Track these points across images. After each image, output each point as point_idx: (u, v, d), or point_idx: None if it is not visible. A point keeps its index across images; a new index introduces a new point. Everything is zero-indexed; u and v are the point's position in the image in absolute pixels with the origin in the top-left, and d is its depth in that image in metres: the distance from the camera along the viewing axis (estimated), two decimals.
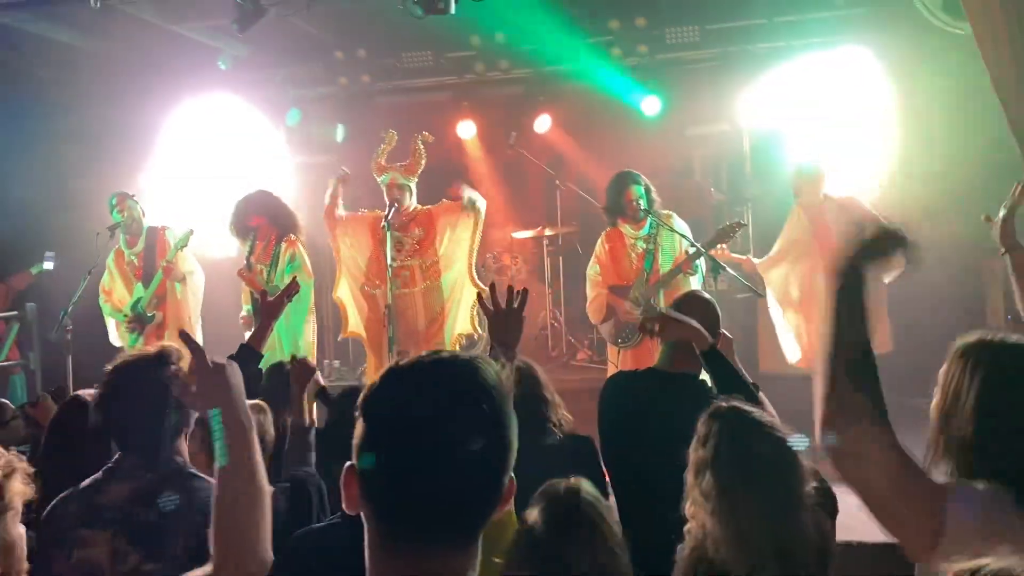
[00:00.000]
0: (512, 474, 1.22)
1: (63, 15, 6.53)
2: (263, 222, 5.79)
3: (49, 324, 6.29)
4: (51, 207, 7.05)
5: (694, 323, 2.97)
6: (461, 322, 6.01)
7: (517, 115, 8.16)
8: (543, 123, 8.03)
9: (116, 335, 6.24)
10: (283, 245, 5.78)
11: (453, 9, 5.26)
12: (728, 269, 5.77)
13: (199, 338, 6.01)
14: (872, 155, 6.81)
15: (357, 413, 1.21)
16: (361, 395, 1.23)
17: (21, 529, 2.10)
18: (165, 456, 2.37)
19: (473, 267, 6.05)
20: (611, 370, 5.62)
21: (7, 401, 3.91)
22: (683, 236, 5.58)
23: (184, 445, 2.46)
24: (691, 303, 3.29)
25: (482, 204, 5.95)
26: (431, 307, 5.94)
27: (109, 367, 2.43)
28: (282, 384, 3.64)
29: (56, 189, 7.09)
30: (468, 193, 5.94)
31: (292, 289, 3.64)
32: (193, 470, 2.42)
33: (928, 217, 6.33)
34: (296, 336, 5.77)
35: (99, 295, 6.19)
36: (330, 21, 7.32)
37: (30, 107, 7.27)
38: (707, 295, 3.38)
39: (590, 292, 5.85)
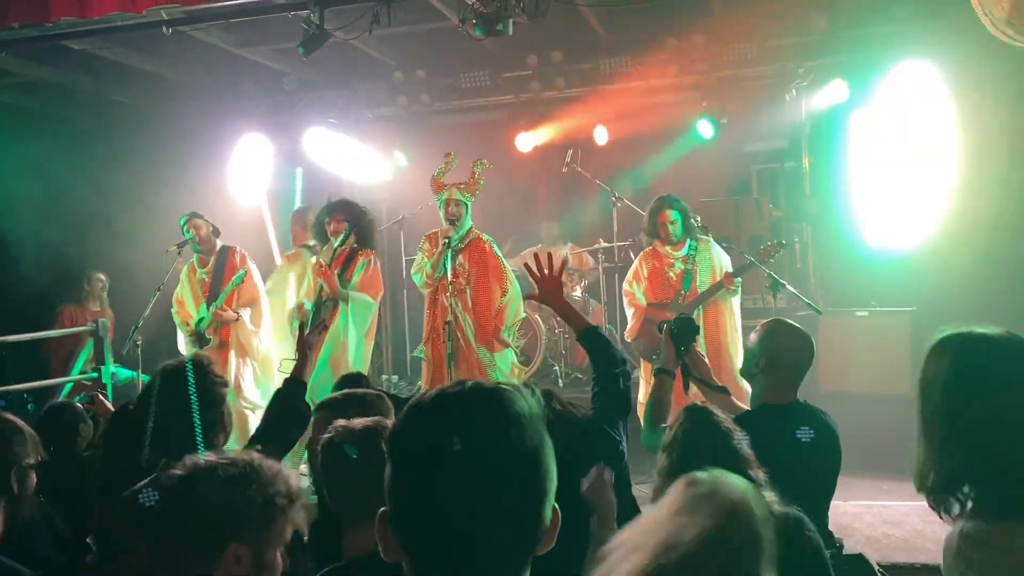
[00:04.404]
0: (556, 505, 1.15)
1: (137, 41, 6.78)
2: (350, 224, 5.90)
3: (120, 339, 6.48)
4: (125, 225, 7.28)
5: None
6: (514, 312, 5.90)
7: (573, 133, 8.20)
8: (601, 134, 8.03)
9: (184, 346, 6.40)
10: (358, 254, 5.89)
11: (511, 30, 5.31)
12: (788, 286, 5.72)
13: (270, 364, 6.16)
14: (936, 170, 6.68)
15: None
16: (387, 433, 1.17)
17: None
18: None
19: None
20: (643, 387, 5.57)
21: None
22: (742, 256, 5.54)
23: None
24: (780, 329, 3.17)
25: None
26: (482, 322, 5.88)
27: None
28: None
29: (131, 208, 7.32)
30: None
31: (326, 325, 4.09)
32: None
33: (999, 232, 6.18)
34: (358, 351, 5.81)
35: (172, 305, 6.35)
36: (390, 43, 7.47)
37: (107, 130, 7.55)
38: (800, 327, 3.14)
39: (628, 310, 5.93)
